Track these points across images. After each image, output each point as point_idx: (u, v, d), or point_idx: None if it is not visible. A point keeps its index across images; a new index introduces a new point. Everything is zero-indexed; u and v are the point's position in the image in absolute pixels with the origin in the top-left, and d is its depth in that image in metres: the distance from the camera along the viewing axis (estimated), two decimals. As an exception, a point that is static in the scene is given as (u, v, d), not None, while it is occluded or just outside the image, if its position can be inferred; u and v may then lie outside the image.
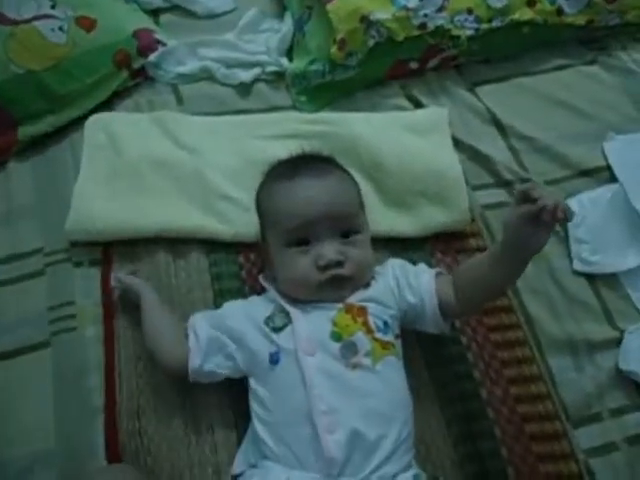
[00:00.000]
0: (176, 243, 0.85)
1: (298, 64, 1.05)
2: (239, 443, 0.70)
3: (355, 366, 0.65)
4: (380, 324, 0.69)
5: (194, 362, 0.69)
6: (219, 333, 0.70)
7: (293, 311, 0.69)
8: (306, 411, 0.62)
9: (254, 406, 0.67)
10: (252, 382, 0.69)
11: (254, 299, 0.76)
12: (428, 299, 0.71)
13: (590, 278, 0.85)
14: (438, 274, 0.74)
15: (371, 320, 0.68)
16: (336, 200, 0.70)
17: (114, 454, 0.71)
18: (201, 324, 0.72)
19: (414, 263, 0.78)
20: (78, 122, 0.97)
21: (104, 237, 0.85)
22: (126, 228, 0.84)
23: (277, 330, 0.69)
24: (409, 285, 0.72)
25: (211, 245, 0.86)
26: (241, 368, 0.70)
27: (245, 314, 0.71)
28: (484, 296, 0.72)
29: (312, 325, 0.67)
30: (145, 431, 0.72)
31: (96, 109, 0.99)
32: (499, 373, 0.77)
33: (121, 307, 0.81)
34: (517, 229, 0.61)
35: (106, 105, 1.01)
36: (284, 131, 0.95)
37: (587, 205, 0.91)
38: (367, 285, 0.73)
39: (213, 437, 0.71)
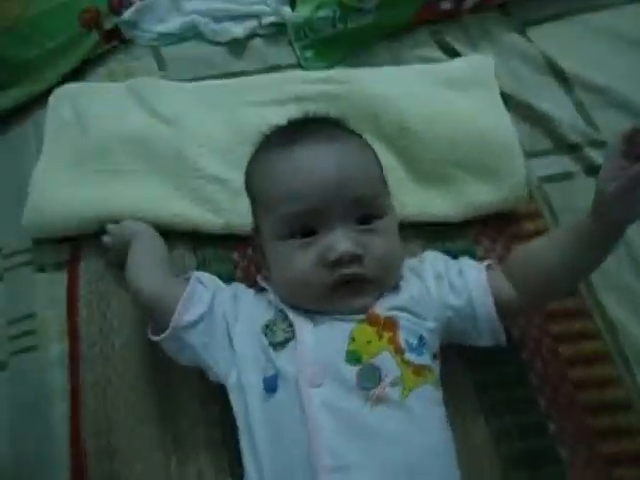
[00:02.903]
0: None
1: (302, 11, 0.90)
2: (231, 465, 0.60)
3: (378, 400, 0.49)
4: (413, 342, 0.53)
5: (190, 314, 0.56)
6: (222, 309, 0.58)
7: (298, 322, 0.54)
8: (308, 466, 0.48)
9: (242, 441, 0.54)
10: (238, 404, 0.55)
11: (258, 294, 0.61)
12: (480, 298, 0.56)
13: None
14: (488, 267, 0.59)
15: (401, 336, 0.53)
16: (351, 174, 0.55)
17: None
18: (206, 276, 0.61)
19: (454, 256, 0.62)
20: (44, 98, 0.85)
21: (67, 231, 0.73)
22: (92, 220, 0.72)
23: (277, 346, 0.54)
24: (451, 285, 0.57)
25: (198, 239, 0.73)
26: (217, 374, 0.57)
27: (249, 309, 0.59)
28: (559, 286, 0.58)
29: (322, 342, 0.53)
30: (119, 474, 0.62)
31: (64, 81, 0.88)
32: (572, 400, 0.62)
33: (88, 313, 0.70)
34: (621, 197, 0.48)
35: (75, 75, 0.89)
36: (286, 94, 0.80)
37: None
38: (396, 288, 0.57)
39: (198, 459, 0.61)
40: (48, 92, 0.85)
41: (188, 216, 0.71)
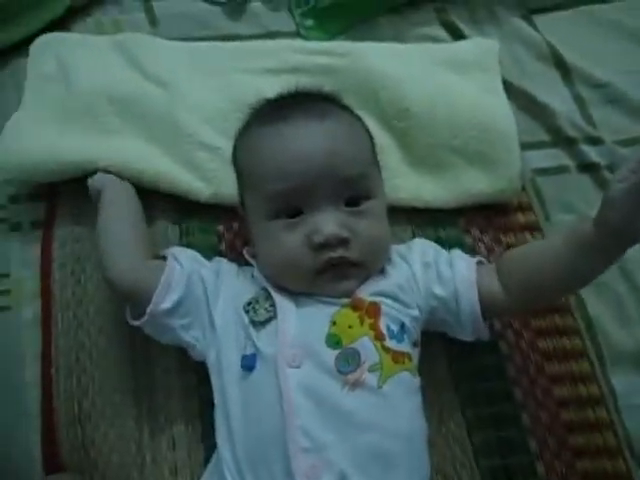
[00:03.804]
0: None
1: (304, -24, 0.87)
2: (204, 437, 0.59)
3: (355, 385, 0.49)
4: (395, 328, 0.53)
5: (167, 301, 0.54)
6: (201, 284, 0.56)
7: (281, 301, 0.53)
8: (282, 446, 0.47)
9: (217, 417, 0.53)
10: (216, 382, 0.54)
11: (242, 269, 0.60)
12: (465, 292, 0.55)
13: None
14: (479, 262, 0.58)
15: (383, 322, 0.52)
16: (340, 153, 0.53)
17: (54, 467, 0.60)
18: (184, 254, 0.59)
19: (443, 244, 0.62)
20: (24, 46, 0.80)
21: (42, 175, 0.69)
22: (70, 165, 0.67)
23: (257, 325, 0.53)
24: (439, 275, 0.56)
25: (182, 210, 0.70)
26: (200, 352, 0.56)
27: (232, 286, 0.57)
28: (549, 293, 0.57)
29: (304, 323, 0.52)
30: (91, 440, 0.61)
31: (46, 29, 0.82)
32: (547, 393, 0.63)
33: (62, 276, 0.67)
34: (630, 201, 0.46)
35: (59, 25, 0.84)
36: (283, 64, 0.77)
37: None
38: (382, 272, 0.56)
39: (171, 430, 0.61)
40: (29, 40, 0.79)
41: (174, 177, 0.68)
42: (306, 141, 0.52)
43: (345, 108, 0.59)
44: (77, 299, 0.65)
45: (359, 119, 0.59)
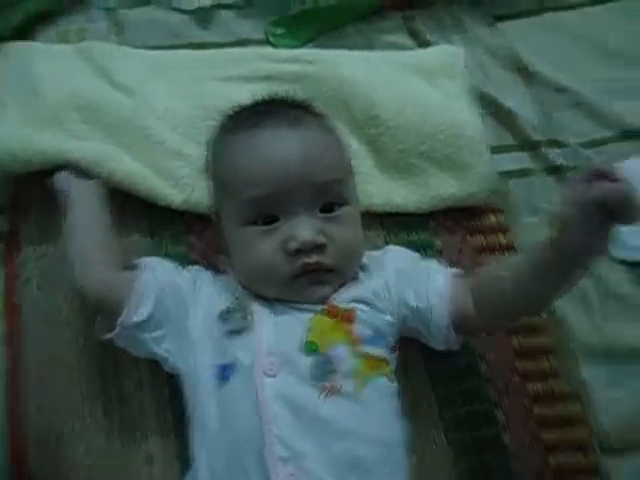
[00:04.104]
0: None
1: (272, -16, 0.88)
2: (179, 451, 0.57)
3: (331, 392, 0.49)
4: (369, 333, 0.53)
5: (139, 314, 0.53)
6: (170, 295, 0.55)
7: (257, 310, 0.53)
8: (259, 455, 0.47)
9: (193, 429, 0.52)
10: (190, 393, 0.53)
11: (217, 277, 0.59)
12: (438, 305, 0.54)
13: (634, 267, 0.71)
14: (455, 276, 0.57)
15: (357, 328, 0.52)
16: (315, 159, 0.53)
17: None
18: (158, 264, 0.57)
19: (414, 246, 0.64)
20: None
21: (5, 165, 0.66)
22: (41, 151, 0.65)
23: (233, 333, 0.52)
24: (413, 284, 0.56)
25: (153, 220, 0.69)
26: (173, 365, 0.55)
27: (208, 295, 0.56)
28: (517, 311, 0.55)
29: (280, 331, 0.52)
30: (62, 457, 0.59)
31: (9, 38, 0.80)
32: (520, 390, 0.63)
33: (27, 291, 0.65)
34: (581, 223, 0.44)
35: (23, 34, 0.82)
36: (253, 72, 0.77)
37: (635, 175, 0.73)
38: (355, 279, 0.56)
39: (147, 445, 0.59)
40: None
41: (146, 180, 0.66)
42: (282, 147, 0.52)
43: (319, 115, 0.59)
44: (44, 314, 0.64)
45: (333, 126, 0.60)
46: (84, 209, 0.60)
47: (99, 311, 0.56)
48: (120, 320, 0.53)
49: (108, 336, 0.54)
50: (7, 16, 0.80)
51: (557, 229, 0.47)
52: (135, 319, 0.53)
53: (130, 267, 0.58)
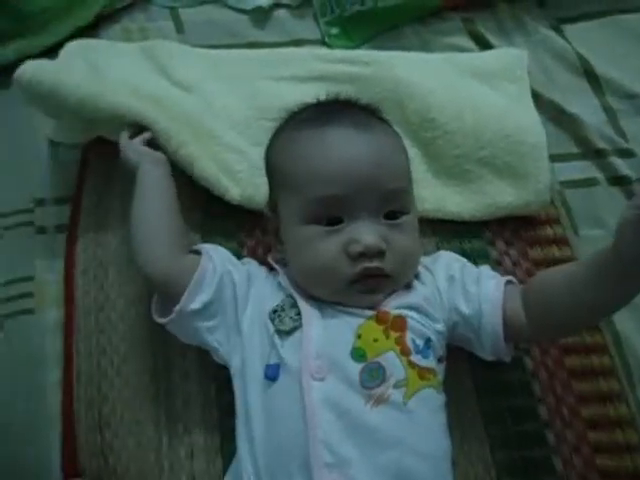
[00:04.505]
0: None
1: (330, -15, 0.87)
2: (222, 446, 0.59)
3: (379, 401, 0.48)
4: (420, 343, 0.52)
5: (197, 301, 0.53)
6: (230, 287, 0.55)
7: (307, 311, 0.53)
8: (304, 459, 0.46)
9: (238, 424, 0.52)
10: (238, 388, 0.53)
11: (270, 274, 0.59)
12: (489, 312, 0.53)
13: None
14: (508, 283, 0.55)
15: (409, 337, 0.51)
16: (386, 165, 0.53)
17: (72, 472, 0.60)
18: (218, 254, 0.57)
19: (467, 255, 0.61)
20: (52, 52, 0.80)
21: (68, 104, 0.65)
22: (108, 103, 0.65)
23: (282, 334, 0.52)
24: (465, 291, 0.55)
25: (204, 214, 0.70)
26: (223, 356, 0.55)
27: (260, 292, 0.56)
28: (569, 321, 0.53)
29: (329, 335, 0.51)
30: (110, 447, 0.60)
31: (75, 36, 0.82)
32: (574, 412, 0.61)
33: (85, 281, 0.67)
34: (638, 229, 0.43)
35: (88, 31, 0.85)
36: (308, 72, 0.77)
37: None
38: (408, 286, 0.55)
39: (190, 438, 0.60)
40: (57, 47, 0.79)
41: (207, 163, 0.66)
42: (354, 149, 0.52)
43: (385, 122, 0.59)
44: (99, 305, 0.65)
45: (397, 133, 0.59)
46: (153, 186, 0.59)
47: (161, 293, 0.57)
48: (178, 306, 0.53)
49: (163, 321, 0.55)
50: (77, 14, 0.83)
51: (617, 234, 0.45)
52: (193, 306, 0.54)
53: (193, 252, 0.58)
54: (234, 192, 0.67)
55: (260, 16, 0.88)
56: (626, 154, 0.74)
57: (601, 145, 0.75)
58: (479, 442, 0.59)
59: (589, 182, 0.73)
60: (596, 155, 0.75)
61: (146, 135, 0.64)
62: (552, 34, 0.85)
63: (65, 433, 0.60)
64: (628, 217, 0.43)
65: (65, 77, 0.66)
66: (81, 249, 0.69)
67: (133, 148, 0.62)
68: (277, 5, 0.88)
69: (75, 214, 0.71)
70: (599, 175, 0.73)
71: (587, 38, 0.85)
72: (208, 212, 0.69)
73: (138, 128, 0.64)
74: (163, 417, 0.61)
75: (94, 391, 0.62)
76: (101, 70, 0.74)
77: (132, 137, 0.64)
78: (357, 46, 0.85)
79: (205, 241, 0.68)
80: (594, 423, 0.60)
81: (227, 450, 0.58)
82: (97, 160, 0.73)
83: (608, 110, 0.79)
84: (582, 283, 0.49)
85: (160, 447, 0.59)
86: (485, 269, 0.58)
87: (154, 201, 0.58)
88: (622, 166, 0.73)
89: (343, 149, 0.52)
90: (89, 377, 0.62)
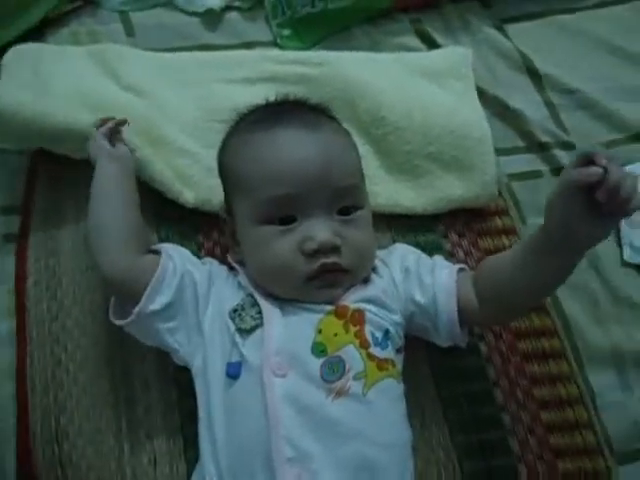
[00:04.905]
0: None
1: (280, -13, 0.88)
2: (185, 451, 0.58)
3: (340, 394, 0.49)
4: (379, 335, 0.53)
5: (157, 302, 0.53)
6: (190, 287, 0.55)
7: (268, 309, 0.53)
8: (266, 456, 0.47)
9: (201, 427, 0.52)
10: (200, 389, 0.53)
11: (230, 273, 0.59)
12: (444, 300, 0.55)
13: (645, 272, 0.70)
14: (460, 270, 0.57)
15: (367, 330, 0.52)
16: (337, 163, 0.53)
17: None
18: (178, 253, 0.57)
19: (422, 248, 0.63)
20: None
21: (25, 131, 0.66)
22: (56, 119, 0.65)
23: (243, 332, 0.52)
24: (420, 281, 0.56)
25: (161, 218, 0.69)
26: (183, 358, 0.55)
27: (221, 291, 0.56)
28: (517, 303, 0.55)
29: (289, 332, 0.52)
30: (69, 457, 0.59)
31: (20, 40, 0.81)
32: (528, 394, 0.63)
33: (37, 291, 0.65)
34: (565, 209, 0.45)
35: (34, 35, 0.84)
36: (260, 73, 0.77)
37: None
38: (366, 280, 0.56)
39: (152, 445, 0.59)
40: (2, 50, 0.78)
41: (162, 168, 0.66)
42: (304, 149, 0.53)
43: (335, 120, 0.60)
44: (52, 314, 0.64)
45: (347, 131, 0.60)
46: (107, 182, 0.58)
47: (119, 294, 0.56)
48: (137, 308, 0.53)
49: (122, 323, 0.54)
50: (22, 17, 0.81)
51: (546, 215, 0.47)
52: (152, 307, 0.53)
53: (152, 252, 0.57)
54: (188, 195, 0.67)
55: (211, 19, 0.88)
56: (567, 146, 0.78)
57: (544, 139, 0.78)
58: (439, 427, 0.60)
59: (534, 174, 0.76)
60: (540, 148, 0.78)
61: (110, 124, 0.62)
62: (496, 33, 0.89)
63: (20, 446, 0.58)
64: (555, 192, 0.45)
65: (7, 94, 0.65)
66: (33, 259, 0.67)
67: (95, 144, 0.61)
68: (228, 7, 0.88)
69: (25, 223, 0.69)
70: (543, 167, 0.77)
71: (529, 37, 0.88)
72: (162, 215, 0.69)
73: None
74: (124, 425, 0.60)
75: (50, 402, 0.60)
76: (47, 79, 0.73)
77: (100, 126, 0.62)
78: (309, 47, 0.86)
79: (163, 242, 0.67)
80: (546, 404, 0.62)
81: (191, 455, 0.57)
82: (47, 166, 0.72)
83: (549, 105, 0.82)
84: (520, 265, 0.51)
85: (122, 455, 0.58)
86: (439, 259, 0.59)
87: (108, 197, 0.57)
88: (564, 158, 0.76)
89: (293, 149, 0.53)
90: (44, 387, 0.60)
